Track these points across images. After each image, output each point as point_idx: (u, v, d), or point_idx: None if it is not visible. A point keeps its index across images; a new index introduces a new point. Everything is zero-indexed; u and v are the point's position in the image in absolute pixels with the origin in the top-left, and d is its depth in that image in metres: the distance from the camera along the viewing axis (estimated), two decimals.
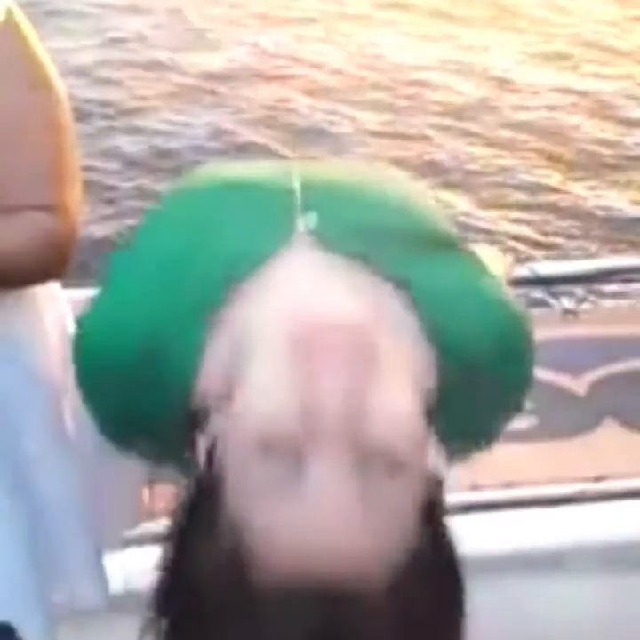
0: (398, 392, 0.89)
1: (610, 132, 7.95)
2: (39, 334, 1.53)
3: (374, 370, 0.87)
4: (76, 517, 1.53)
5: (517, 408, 1.16)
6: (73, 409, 1.50)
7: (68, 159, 1.47)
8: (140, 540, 1.72)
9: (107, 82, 8.52)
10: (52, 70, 1.47)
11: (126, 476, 1.44)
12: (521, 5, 10.64)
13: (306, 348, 0.86)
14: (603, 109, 8.33)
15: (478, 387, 1.05)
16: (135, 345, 1.02)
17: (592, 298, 2.66)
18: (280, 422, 0.85)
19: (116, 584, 1.63)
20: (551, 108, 8.38)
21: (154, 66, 8.94)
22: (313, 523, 0.83)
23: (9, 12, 1.43)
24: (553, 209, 6.79)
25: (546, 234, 6.42)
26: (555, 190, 7.06)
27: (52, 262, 1.48)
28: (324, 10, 10.43)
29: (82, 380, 1.09)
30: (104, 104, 8.04)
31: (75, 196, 1.48)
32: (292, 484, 0.84)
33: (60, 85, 1.48)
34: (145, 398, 1.03)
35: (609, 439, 2.57)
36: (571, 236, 6.43)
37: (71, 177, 1.48)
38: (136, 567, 1.70)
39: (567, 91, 8.69)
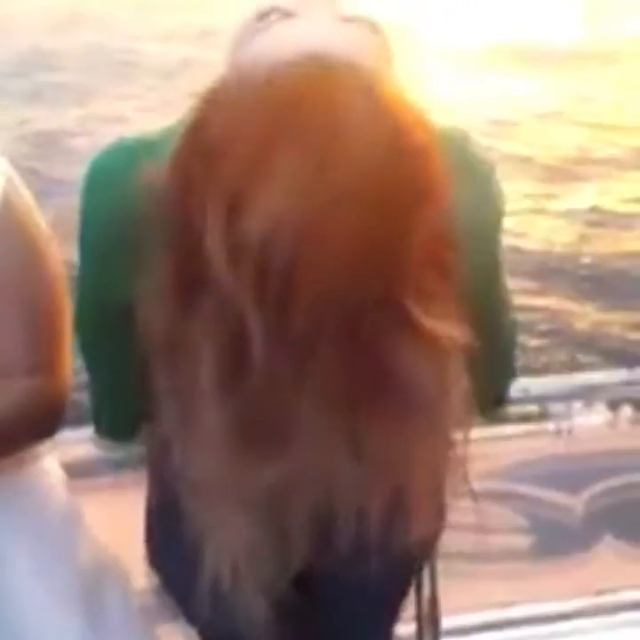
0: None
1: None
2: (36, 506, 1.51)
3: None
4: None
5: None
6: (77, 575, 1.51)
7: (58, 320, 1.46)
8: None
9: None
10: (47, 237, 1.47)
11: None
12: None
13: None
14: None
15: None
16: None
17: (585, 413, 2.67)
18: None
19: None
20: None
21: None
22: None
23: (7, 184, 1.42)
24: None
25: None
26: None
27: (41, 425, 1.47)
28: None
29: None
30: None
31: (65, 356, 1.47)
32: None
33: (55, 250, 1.48)
34: None
35: (609, 556, 2.55)
36: None
37: (61, 337, 1.47)
38: None
39: None
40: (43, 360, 1.44)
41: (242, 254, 0.95)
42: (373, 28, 1.11)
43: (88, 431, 2.13)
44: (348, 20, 1.10)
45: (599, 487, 2.69)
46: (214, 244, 0.96)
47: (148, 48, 12.90)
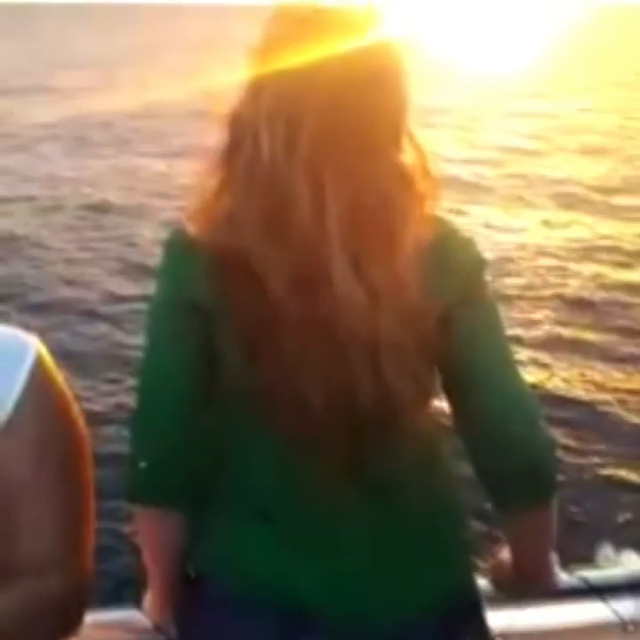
0: None
1: None
2: None
3: None
4: None
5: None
6: None
7: (82, 513, 1.42)
8: None
9: None
10: (77, 415, 1.45)
11: None
12: None
13: None
14: None
15: None
16: None
17: None
18: None
19: None
20: None
21: None
22: None
23: (39, 361, 1.40)
24: None
25: None
26: None
27: (68, 619, 1.40)
28: None
29: None
30: None
31: (89, 547, 1.41)
32: None
33: (85, 429, 1.45)
34: None
35: None
36: None
37: (85, 532, 1.41)
38: None
39: None
40: (69, 557, 1.39)
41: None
42: None
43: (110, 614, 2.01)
44: None
45: None
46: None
47: None
